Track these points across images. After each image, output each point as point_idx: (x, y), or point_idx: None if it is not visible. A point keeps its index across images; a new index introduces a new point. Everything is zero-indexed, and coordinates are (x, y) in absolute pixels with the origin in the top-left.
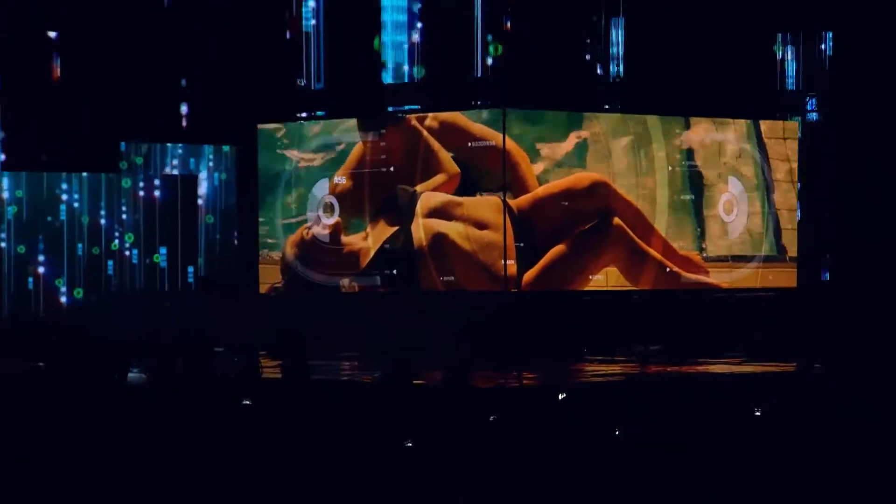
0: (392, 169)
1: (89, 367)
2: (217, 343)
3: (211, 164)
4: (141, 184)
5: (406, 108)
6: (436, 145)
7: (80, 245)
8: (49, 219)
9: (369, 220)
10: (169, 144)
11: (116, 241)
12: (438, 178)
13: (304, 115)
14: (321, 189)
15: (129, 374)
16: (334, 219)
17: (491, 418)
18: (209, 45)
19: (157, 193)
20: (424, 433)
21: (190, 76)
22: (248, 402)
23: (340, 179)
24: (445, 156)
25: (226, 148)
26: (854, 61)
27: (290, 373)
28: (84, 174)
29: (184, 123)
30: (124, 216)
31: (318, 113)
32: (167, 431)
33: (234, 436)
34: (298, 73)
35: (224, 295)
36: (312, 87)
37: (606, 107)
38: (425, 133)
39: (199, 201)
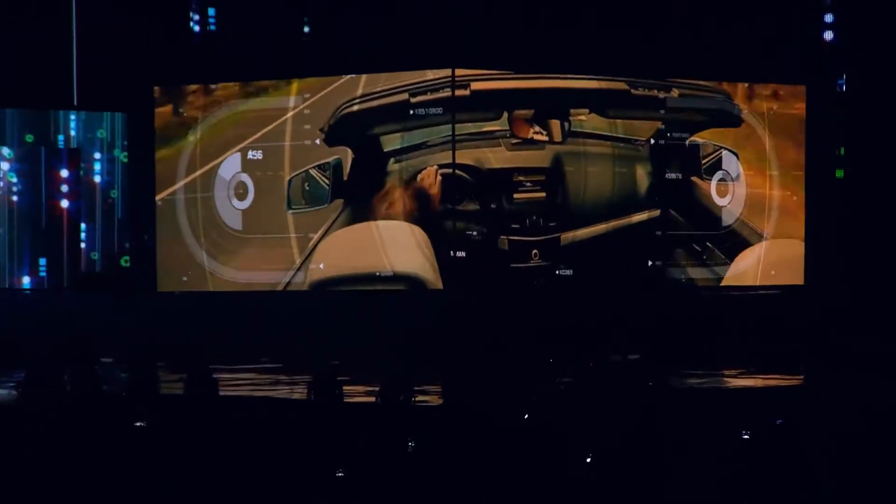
0: (318, 142)
1: None
2: (103, 351)
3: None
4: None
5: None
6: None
7: None
8: None
9: (291, 203)
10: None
11: None
12: None
13: (210, 76)
14: (232, 165)
15: None
16: (248, 202)
17: (440, 438)
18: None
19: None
20: (359, 459)
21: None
22: (140, 424)
23: (255, 154)
24: None
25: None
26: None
27: (192, 387)
28: None
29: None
30: None
31: (229, 74)
32: (41, 457)
33: (123, 463)
34: (203, 26)
35: (113, 292)
36: (220, 43)
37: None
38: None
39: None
